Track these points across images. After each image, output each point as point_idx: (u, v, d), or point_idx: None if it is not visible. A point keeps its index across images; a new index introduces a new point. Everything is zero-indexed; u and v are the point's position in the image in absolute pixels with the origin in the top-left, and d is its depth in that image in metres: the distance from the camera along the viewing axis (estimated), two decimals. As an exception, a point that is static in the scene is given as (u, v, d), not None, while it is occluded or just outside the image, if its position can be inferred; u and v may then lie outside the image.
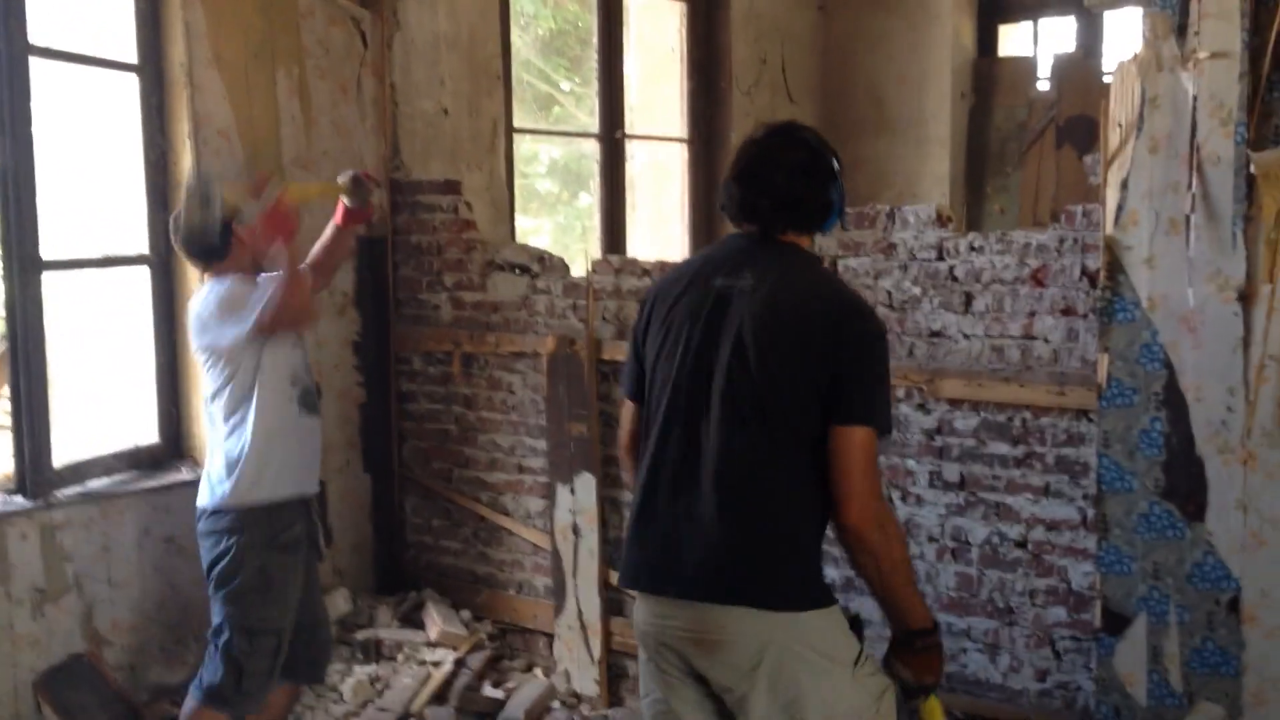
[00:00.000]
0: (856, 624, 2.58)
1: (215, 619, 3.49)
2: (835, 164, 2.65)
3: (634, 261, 4.49)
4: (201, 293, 3.54)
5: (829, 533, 2.50)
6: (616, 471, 4.50)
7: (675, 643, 2.52)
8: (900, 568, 2.47)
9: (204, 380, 3.56)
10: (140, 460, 4.32)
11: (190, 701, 3.51)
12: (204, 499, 3.50)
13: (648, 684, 2.63)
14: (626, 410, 2.78)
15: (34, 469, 3.87)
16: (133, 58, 4.26)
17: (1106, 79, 6.88)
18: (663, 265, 4.40)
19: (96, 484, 4.11)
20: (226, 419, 3.48)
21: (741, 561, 2.44)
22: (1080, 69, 7.11)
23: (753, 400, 2.46)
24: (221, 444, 3.48)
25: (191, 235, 3.45)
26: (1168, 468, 3.26)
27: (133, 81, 4.26)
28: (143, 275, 4.34)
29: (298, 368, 3.59)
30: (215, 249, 3.47)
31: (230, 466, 3.45)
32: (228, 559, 3.44)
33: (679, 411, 2.53)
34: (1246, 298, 3.11)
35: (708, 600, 2.45)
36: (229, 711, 3.49)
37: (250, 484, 3.44)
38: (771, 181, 2.59)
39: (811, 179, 2.61)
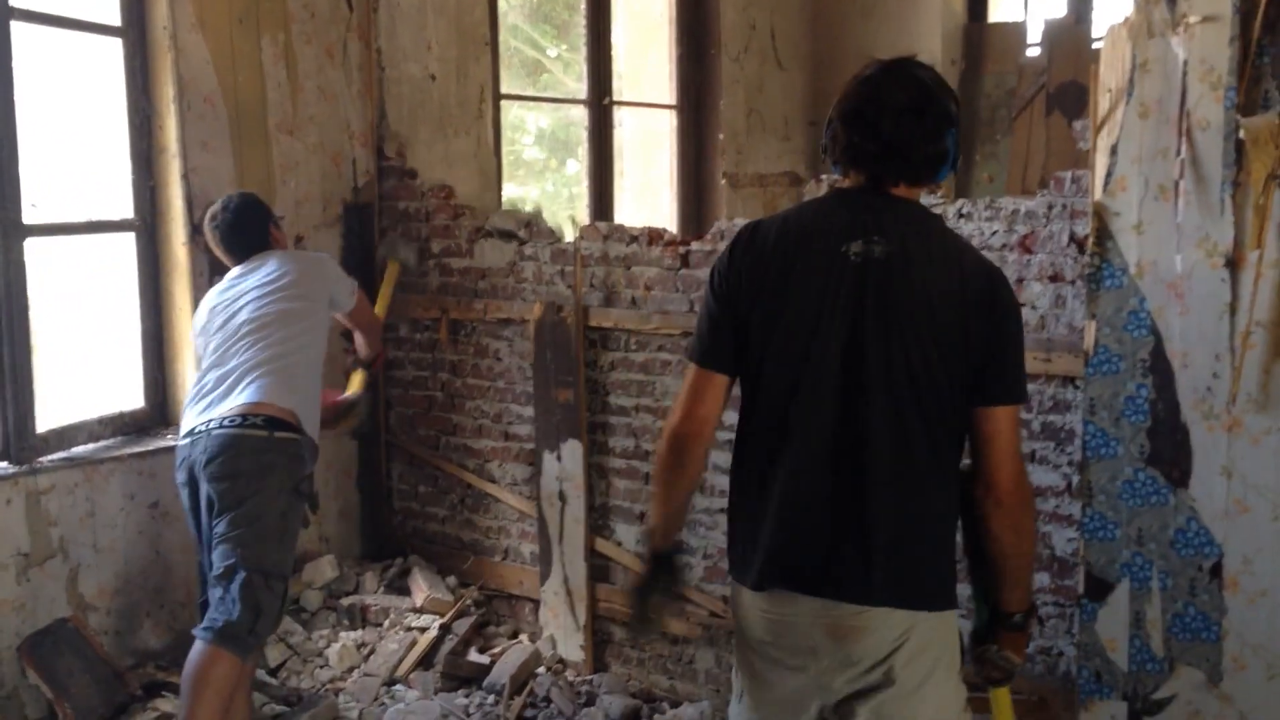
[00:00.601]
0: None
1: (227, 560, 3.45)
2: (954, 107, 2.37)
3: (622, 228, 4.47)
4: (285, 255, 3.99)
5: None
6: (604, 438, 4.50)
7: (804, 631, 2.37)
8: (1033, 544, 2.48)
9: (264, 308, 3.75)
10: (125, 426, 4.30)
11: (201, 645, 3.39)
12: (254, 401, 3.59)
13: (758, 680, 2.48)
14: (705, 381, 2.42)
15: (18, 434, 3.86)
16: (116, 21, 4.21)
17: (1097, 45, 6.87)
18: (651, 231, 4.39)
19: (81, 449, 4.09)
20: (293, 351, 3.71)
21: (900, 564, 2.32)
22: (1071, 35, 7.09)
23: (910, 387, 2.28)
24: (280, 368, 3.66)
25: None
26: (1153, 434, 3.26)
27: (116, 45, 4.22)
28: (128, 241, 4.32)
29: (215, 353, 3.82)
30: (260, 239, 3.98)
31: (297, 385, 3.68)
32: (255, 498, 3.48)
33: (824, 398, 2.31)
34: (1234, 264, 3.10)
35: (865, 603, 2.32)
36: (240, 653, 3.41)
37: (310, 409, 3.72)
38: (879, 124, 2.31)
39: (923, 121, 2.32)
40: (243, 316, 3.73)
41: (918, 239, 2.34)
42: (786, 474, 2.36)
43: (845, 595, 2.33)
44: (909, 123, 2.31)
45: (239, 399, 3.57)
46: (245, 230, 3.97)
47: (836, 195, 2.44)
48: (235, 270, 3.94)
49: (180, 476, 3.64)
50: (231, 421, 3.52)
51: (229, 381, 3.62)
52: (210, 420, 3.56)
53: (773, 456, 2.38)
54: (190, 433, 3.60)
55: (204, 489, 3.54)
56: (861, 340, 2.30)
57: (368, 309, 4.33)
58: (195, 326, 3.92)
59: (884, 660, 2.34)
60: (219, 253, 4.02)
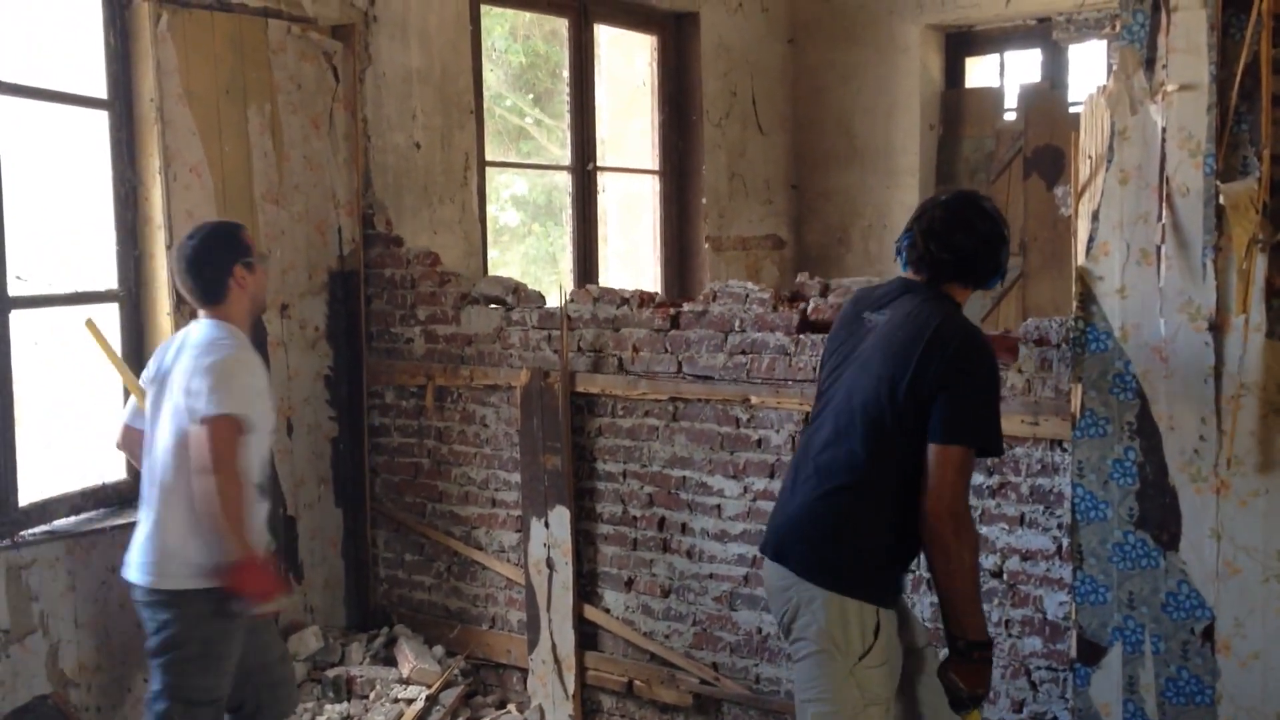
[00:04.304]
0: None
1: (154, 685, 3.42)
2: (1006, 233, 3.05)
3: (612, 291, 4.47)
4: (204, 333, 3.43)
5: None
6: (591, 504, 4.48)
7: None
8: (965, 582, 2.83)
9: (163, 427, 3.42)
10: (108, 498, 4.26)
11: None
12: (149, 576, 3.38)
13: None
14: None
15: (1, 509, 3.81)
16: (103, 94, 4.23)
17: (1072, 109, 6.97)
18: (641, 294, 4.40)
19: (63, 522, 4.05)
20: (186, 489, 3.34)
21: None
22: (1046, 100, 7.19)
23: (850, 418, 2.95)
24: (183, 515, 3.35)
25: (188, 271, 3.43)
26: (1141, 497, 3.27)
27: (103, 118, 4.24)
28: (112, 312, 4.30)
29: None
30: (214, 292, 3.44)
31: (186, 541, 3.35)
32: (171, 631, 3.38)
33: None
34: (1217, 327, 3.13)
35: None
36: None
37: (207, 559, 3.33)
38: (954, 240, 2.98)
39: (990, 244, 3.00)
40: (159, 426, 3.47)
41: (915, 309, 2.94)
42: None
43: None
44: (980, 243, 2.99)
45: (144, 564, 3.44)
46: (200, 271, 3.45)
47: (892, 281, 3.13)
48: (176, 338, 3.58)
49: None
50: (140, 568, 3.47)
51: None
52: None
53: None
54: None
55: None
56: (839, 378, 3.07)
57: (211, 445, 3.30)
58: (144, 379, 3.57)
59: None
60: (183, 292, 3.58)
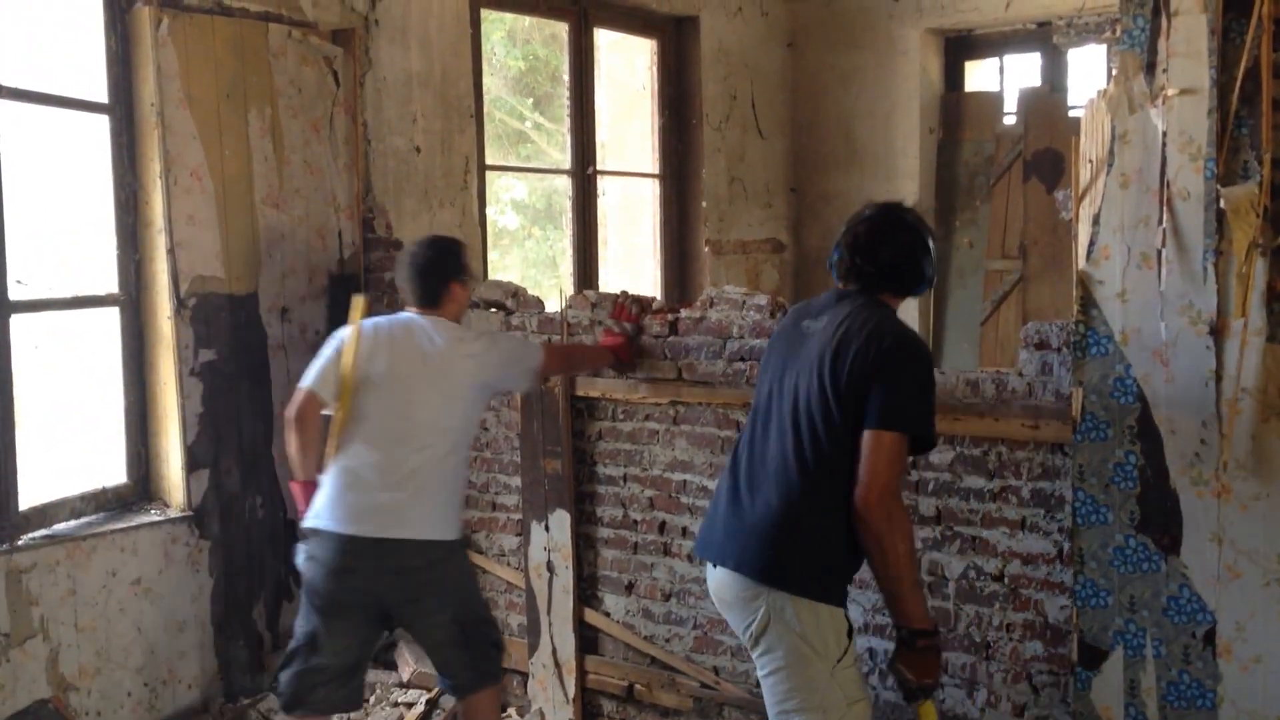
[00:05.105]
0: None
1: (470, 638, 3.73)
2: (931, 242, 3.15)
3: (609, 296, 4.47)
4: (443, 327, 3.75)
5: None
6: (591, 508, 4.48)
7: None
8: (902, 568, 2.84)
9: (440, 414, 3.65)
10: (108, 502, 4.26)
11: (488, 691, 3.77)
12: (427, 532, 3.60)
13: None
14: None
15: (0, 513, 3.81)
16: (104, 98, 4.23)
17: (1072, 113, 6.98)
18: (640, 300, 4.39)
19: (63, 526, 4.05)
20: (455, 456, 3.71)
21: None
22: (1046, 103, 7.20)
23: (795, 417, 2.98)
24: (446, 482, 3.67)
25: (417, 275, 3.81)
26: (1142, 501, 3.27)
27: (103, 122, 4.24)
28: (112, 316, 4.30)
29: None
30: (432, 299, 3.78)
31: (456, 503, 3.75)
32: (453, 570, 3.68)
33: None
34: (1218, 331, 3.13)
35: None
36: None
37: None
38: (879, 254, 3.08)
39: (914, 254, 3.11)
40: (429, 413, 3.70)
41: (854, 315, 3.00)
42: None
43: None
44: (904, 254, 3.10)
45: (424, 525, 3.70)
46: (426, 279, 3.80)
47: (829, 292, 3.17)
48: (384, 328, 3.78)
49: None
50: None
51: None
52: None
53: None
54: None
55: None
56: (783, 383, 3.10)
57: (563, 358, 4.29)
58: (363, 368, 3.69)
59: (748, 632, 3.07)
60: (407, 292, 3.86)
